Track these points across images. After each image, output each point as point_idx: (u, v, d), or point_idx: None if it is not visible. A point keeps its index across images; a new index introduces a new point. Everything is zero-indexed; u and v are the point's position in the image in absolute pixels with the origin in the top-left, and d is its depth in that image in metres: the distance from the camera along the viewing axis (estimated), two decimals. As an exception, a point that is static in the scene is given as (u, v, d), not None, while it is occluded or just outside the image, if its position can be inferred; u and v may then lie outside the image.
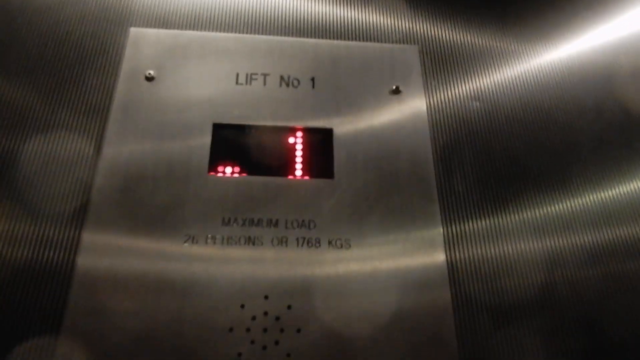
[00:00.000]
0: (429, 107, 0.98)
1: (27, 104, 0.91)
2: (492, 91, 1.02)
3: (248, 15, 1.04)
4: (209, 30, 1.01)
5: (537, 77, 1.04)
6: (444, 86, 1.01)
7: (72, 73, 0.94)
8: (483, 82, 1.02)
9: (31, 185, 0.84)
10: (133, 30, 0.99)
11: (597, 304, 0.84)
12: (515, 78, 1.04)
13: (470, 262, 0.85)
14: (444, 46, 1.06)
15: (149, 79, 0.94)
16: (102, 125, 0.90)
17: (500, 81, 1.03)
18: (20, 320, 0.74)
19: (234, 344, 0.74)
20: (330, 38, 1.04)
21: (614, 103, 1.02)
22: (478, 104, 1.00)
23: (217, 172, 0.87)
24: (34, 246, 0.79)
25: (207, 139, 0.89)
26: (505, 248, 0.87)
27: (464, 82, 1.02)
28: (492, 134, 0.97)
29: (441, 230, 0.87)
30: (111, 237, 0.80)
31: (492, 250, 0.87)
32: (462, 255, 0.86)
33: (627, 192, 0.94)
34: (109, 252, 0.79)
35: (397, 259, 0.83)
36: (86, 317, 0.74)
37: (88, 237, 0.80)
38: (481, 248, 0.87)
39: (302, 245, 0.82)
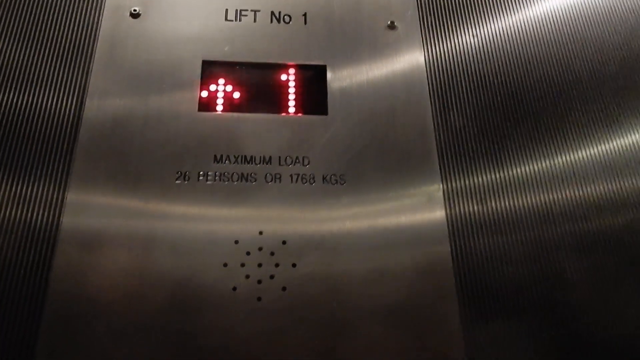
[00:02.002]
0: (424, 42, 0.95)
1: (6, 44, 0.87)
2: (490, 26, 0.98)
3: (236, -50, 0.99)
4: (195, -34, 0.97)
5: (535, 11, 1.01)
6: (440, 21, 0.97)
7: (56, 9, 0.90)
8: (480, 17, 0.99)
9: (17, 123, 0.81)
10: (116, -35, 0.94)
11: (602, 257, 0.82)
12: (513, 12, 1.00)
13: (466, 192, 0.84)
14: (440, -20, 1.02)
15: (135, 15, 0.90)
16: (87, 65, 0.87)
17: (498, 16, 0.99)
18: (6, 284, 0.72)
19: (228, 279, 0.73)
20: (322, -27, 0.99)
21: (614, 36, 1.00)
22: (475, 39, 0.96)
23: (207, 109, 0.85)
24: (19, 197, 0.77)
25: (196, 76, 0.87)
26: (502, 188, 0.86)
27: (461, 17, 0.98)
28: (489, 69, 0.94)
29: (437, 166, 0.85)
30: (101, 175, 0.78)
31: (490, 193, 0.85)
32: (458, 194, 0.84)
33: (627, 127, 0.92)
34: (100, 190, 0.77)
35: (393, 194, 0.81)
36: (80, 240, 0.73)
37: (79, 169, 0.78)
38: (477, 182, 0.85)
39: (296, 182, 0.81)
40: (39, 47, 0.87)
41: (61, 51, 0.88)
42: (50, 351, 0.68)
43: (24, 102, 0.83)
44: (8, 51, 0.86)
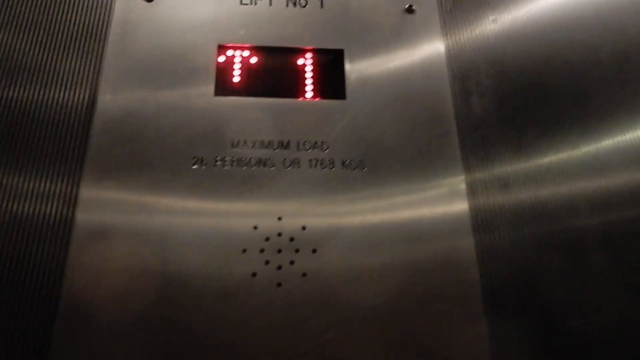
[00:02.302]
0: (443, 26, 0.93)
1: (17, 32, 0.85)
2: (510, 10, 0.96)
3: None
4: (209, -50, 0.95)
5: (556, -5, 0.99)
6: (459, 4, 0.95)
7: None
8: (500, 1, 0.96)
9: (29, 114, 0.79)
10: (129, -51, 0.93)
11: (631, 248, 0.79)
12: (534, -3, 0.98)
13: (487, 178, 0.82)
14: (458, -36, 1.00)
15: (148, -1, 0.88)
16: (100, 51, 0.85)
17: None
18: (21, 279, 0.69)
19: (248, 265, 0.72)
20: (338, -44, 0.97)
21: (637, 20, 0.97)
22: (496, 24, 0.94)
23: (223, 94, 0.83)
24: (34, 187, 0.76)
25: (212, 61, 0.85)
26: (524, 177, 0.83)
27: (480, 1, 0.96)
28: (510, 53, 0.92)
29: (459, 155, 0.83)
30: (116, 163, 0.76)
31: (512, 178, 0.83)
32: (481, 184, 0.82)
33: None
34: (115, 178, 0.75)
35: (412, 180, 0.80)
36: (96, 232, 0.72)
37: (93, 158, 0.76)
38: (500, 172, 0.83)
39: (315, 167, 0.79)
40: (49, 34, 0.85)
41: (73, 37, 0.86)
42: (67, 346, 0.66)
43: (35, 92, 0.81)
44: (18, 40, 0.84)
